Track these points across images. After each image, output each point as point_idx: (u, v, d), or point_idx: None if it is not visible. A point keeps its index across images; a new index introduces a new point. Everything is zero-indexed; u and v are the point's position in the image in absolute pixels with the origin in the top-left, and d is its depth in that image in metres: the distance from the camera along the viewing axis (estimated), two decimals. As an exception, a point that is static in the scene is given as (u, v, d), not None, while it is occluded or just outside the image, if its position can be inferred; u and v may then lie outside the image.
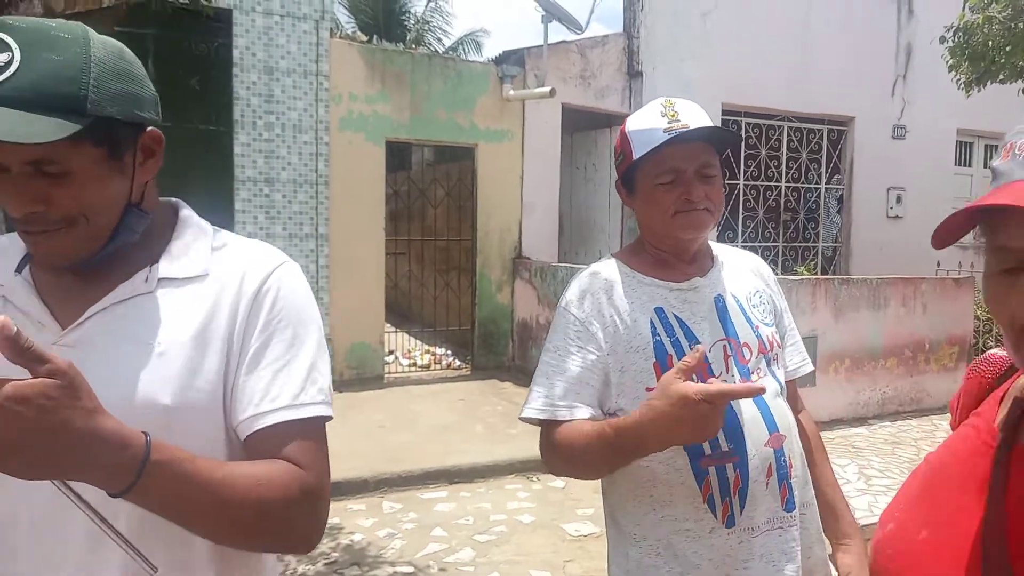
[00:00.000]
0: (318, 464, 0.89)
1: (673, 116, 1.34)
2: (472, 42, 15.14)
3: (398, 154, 8.31)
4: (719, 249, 1.50)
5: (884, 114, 8.62)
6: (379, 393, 6.14)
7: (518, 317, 6.84)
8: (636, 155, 1.36)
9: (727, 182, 7.89)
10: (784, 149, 8.36)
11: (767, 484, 1.30)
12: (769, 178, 8.31)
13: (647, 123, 1.36)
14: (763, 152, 8.22)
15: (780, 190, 8.41)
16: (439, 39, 14.90)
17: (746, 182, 8.15)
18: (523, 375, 6.42)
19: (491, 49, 35.30)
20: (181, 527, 0.80)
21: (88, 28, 0.86)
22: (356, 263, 6.28)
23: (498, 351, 6.98)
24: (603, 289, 1.40)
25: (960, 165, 9.49)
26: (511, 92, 6.60)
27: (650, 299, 1.38)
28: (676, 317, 1.36)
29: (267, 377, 0.88)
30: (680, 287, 1.39)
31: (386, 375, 6.56)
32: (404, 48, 6.96)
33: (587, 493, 4.10)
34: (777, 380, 1.38)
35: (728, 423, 1.25)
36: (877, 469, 4.42)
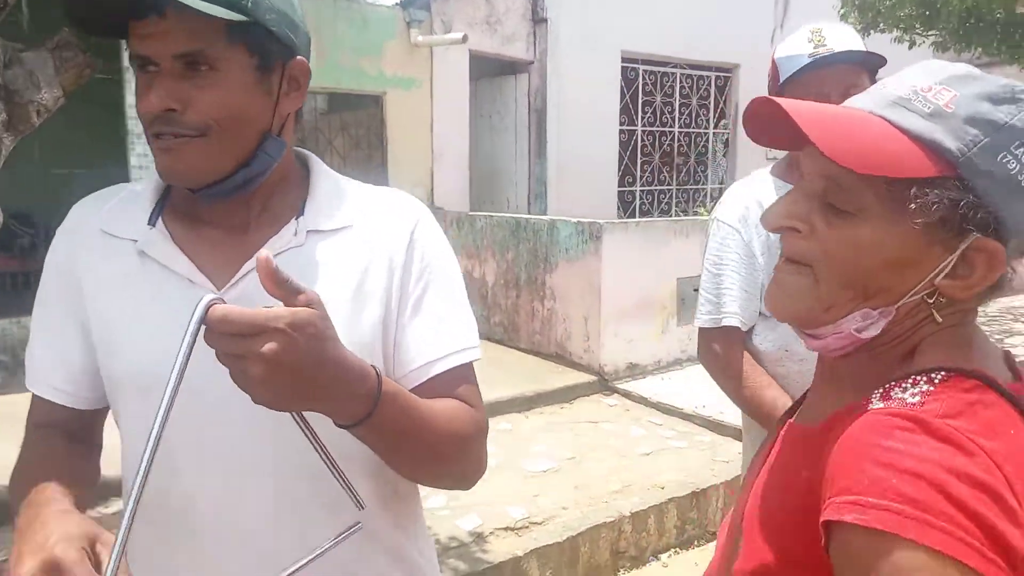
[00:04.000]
0: (481, 403, 0.94)
1: (819, 41, 1.41)
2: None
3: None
4: None
5: (765, 62, 9.10)
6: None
7: (434, 268, 6.80)
8: (782, 79, 1.44)
9: (626, 128, 8.18)
10: (677, 96, 8.71)
11: None
12: (663, 124, 8.65)
13: (794, 49, 1.44)
14: (658, 99, 8.53)
15: (674, 135, 8.78)
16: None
17: (643, 128, 8.44)
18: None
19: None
20: (388, 459, 0.82)
21: None
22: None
23: (415, 303, 6.94)
24: (757, 202, 1.51)
25: (827, 110, 10.28)
26: (419, 38, 6.44)
27: None
28: None
29: (432, 325, 0.90)
30: None
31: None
32: (300, -10, 6.59)
33: (535, 432, 4.27)
34: None
35: None
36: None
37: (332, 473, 0.75)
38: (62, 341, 0.90)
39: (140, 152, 5.40)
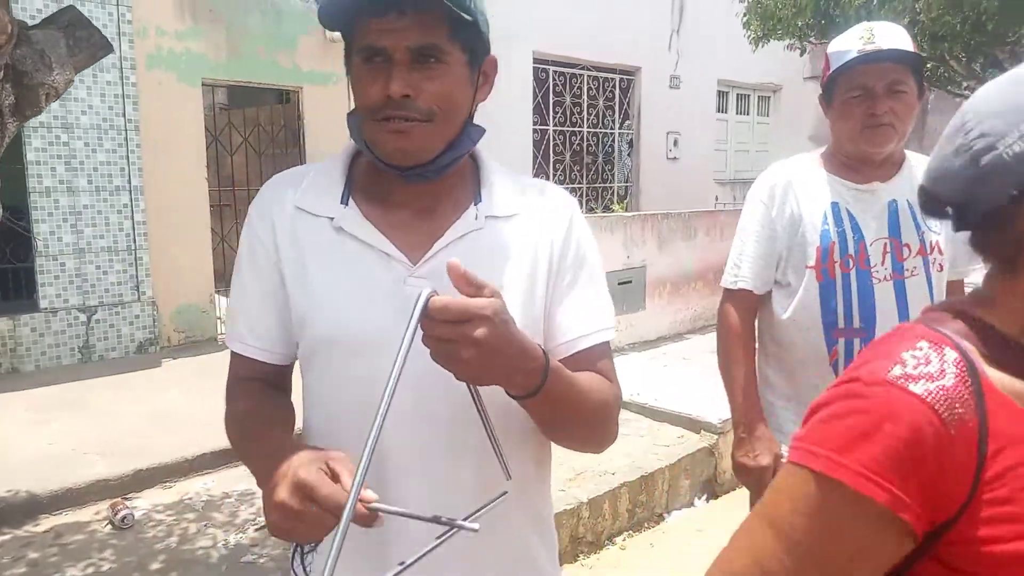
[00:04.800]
0: (616, 377, 1.04)
1: (868, 39, 1.52)
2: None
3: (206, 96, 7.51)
4: (914, 159, 1.71)
5: (663, 65, 9.55)
6: (216, 357, 5.73)
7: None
8: (832, 71, 1.56)
9: (539, 127, 8.33)
10: (585, 96, 8.95)
11: None
12: (573, 124, 8.87)
13: (845, 45, 1.56)
14: (567, 99, 8.74)
15: (582, 135, 9.02)
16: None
17: (554, 128, 8.62)
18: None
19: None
20: (547, 425, 0.94)
21: None
22: (177, 217, 5.71)
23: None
24: (788, 181, 1.66)
25: (719, 112, 10.84)
26: (335, 32, 6.29)
27: (830, 193, 1.63)
28: (848, 212, 1.62)
29: (582, 306, 1.01)
30: (859, 187, 1.64)
31: (220, 337, 6.11)
32: (206, -22, 6.28)
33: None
34: (929, 280, 1.64)
35: (862, 306, 1.59)
36: (709, 376, 5.13)
37: (491, 442, 0.85)
38: (259, 307, 1.00)
39: (36, 147, 4.99)
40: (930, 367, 0.65)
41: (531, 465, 1.01)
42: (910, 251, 1.62)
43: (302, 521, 0.73)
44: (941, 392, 0.63)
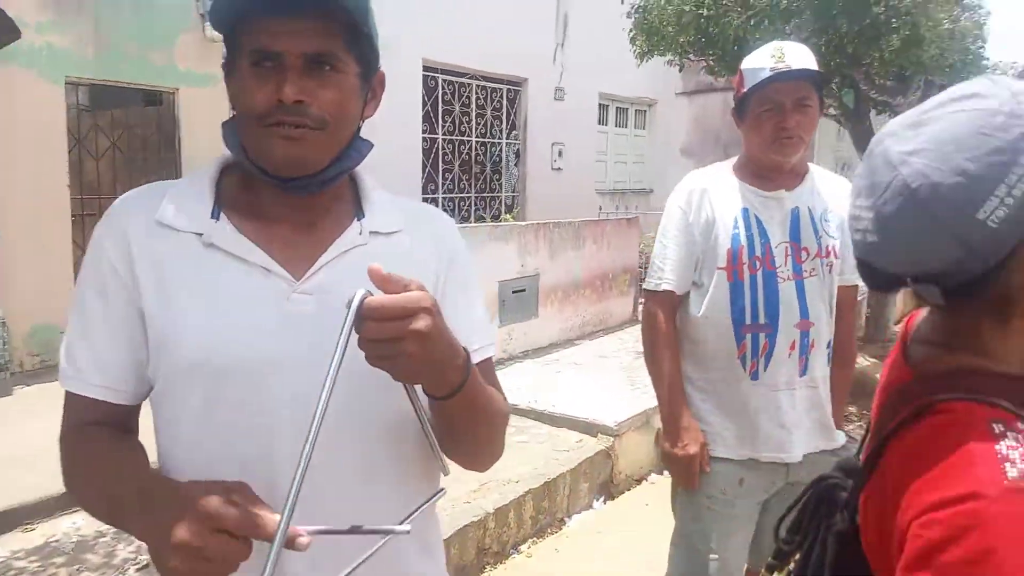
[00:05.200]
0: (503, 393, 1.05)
1: (780, 58, 1.64)
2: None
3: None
4: (816, 172, 1.85)
5: (548, 77, 9.78)
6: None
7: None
8: (746, 88, 1.68)
9: (428, 136, 8.29)
10: (473, 106, 9.01)
11: (789, 354, 1.75)
12: (462, 133, 8.90)
13: (758, 63, 1.67)
14: (457, 108, 8.76)
15: (471, 144, 9.07)
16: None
17: (443, 136, 8.61)
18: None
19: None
20: (461, 431, 0.92)
21: None
22: (34, 228, 5.23)
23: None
24: (704, 189, 1.78)
25: (600, 124, 11.23)
26: (215, 32, 5.99)
27: (740, 200, 1.76)
28: (756, 217, 1.75)
29: (467, 321, 1.00)
30: (766, 195, 1.77)
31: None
32: (67, -33, 5.81)
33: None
34: (825, 281, 1.77)
35: (767, 304, 1.72)
36: (602, 380, 5.29)
37: (428, 439, 0.86)
38: (108, 339, 0.91)
39: None
40: None
41: (424, 486, 0.98)
42: (808, 254, 1.76)
43: (210, 559, 0.68)
44: None
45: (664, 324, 1.84)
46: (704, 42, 5.89)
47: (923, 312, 0.83)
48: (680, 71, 6.97)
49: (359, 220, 0.96)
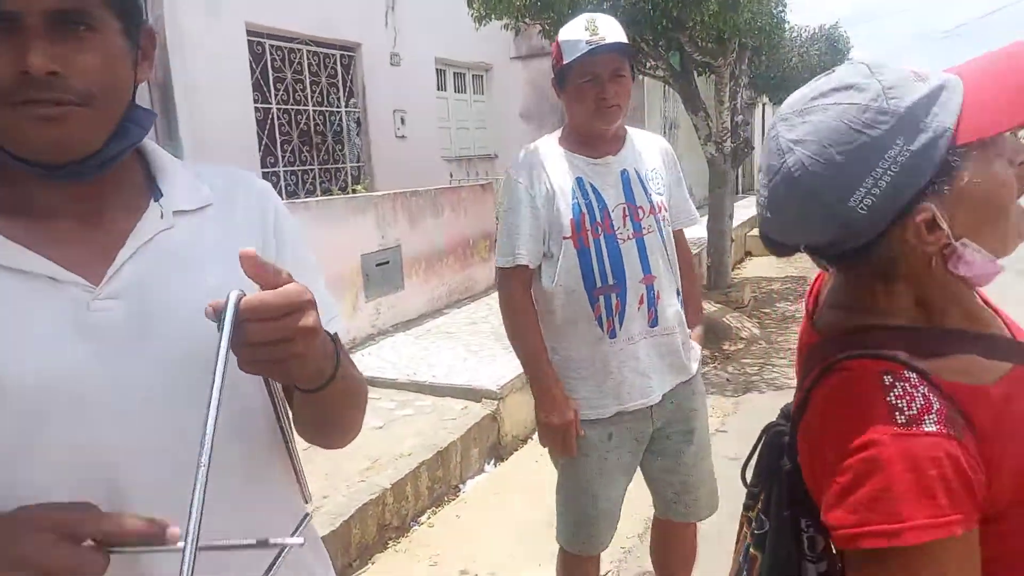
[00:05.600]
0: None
1: (593, 31, 1.72)
2: None
3: None
4: (633, 133, 1.93)
5: (383, 42, 9.47)
6: None
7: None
8: (565, 60, 1.74)
9: (261, 106, 7.78)
10: (307, 73, 8.54)
11: (638, 308, 1.86)
12: (298, 102, 8.43)
13: (574, 35, 1.74)
14: (289, 76, 8.26)
15: (308, 114, 8.62)
16: None
17: (278, 106, 8.11)
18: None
19: None
20: (331, 420, 0.87)
21: None
22: None
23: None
24: (540, 162, 1.82)
25: (439, 90, 11.10)
26: None
27: (573, 170, 1.82)
28: (591, 185, 1.83)
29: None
30: (595, 162, 1.84)
31: None
32: None
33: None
34: (661, 234, 1.88)
35: (613, 265, 1.81)
36: (475, 346, 5.32)
37: (289, 455, 0.80)
38: None
39: None
40: (916, 402, 0.71)
41: (281, 490, 0.90)
42: (643, 212, 1.87)
43: (58, 573, 0.60)
44: (941, 416, 0.70)
45: (524, 299, 1.89)
46: (540, 6, 5.97)
47: (828, 280, 0.95)
48: (516, 35, 7.02)
49: (156, 201, 0.82)
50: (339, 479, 3.40)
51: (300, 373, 0.70)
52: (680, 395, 2.00)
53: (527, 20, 6.75)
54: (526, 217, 1.82)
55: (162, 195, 0.83)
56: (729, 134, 7.05)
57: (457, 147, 11.41)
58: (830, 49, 15.44)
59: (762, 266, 10.04)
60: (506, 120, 12.26)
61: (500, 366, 4.64)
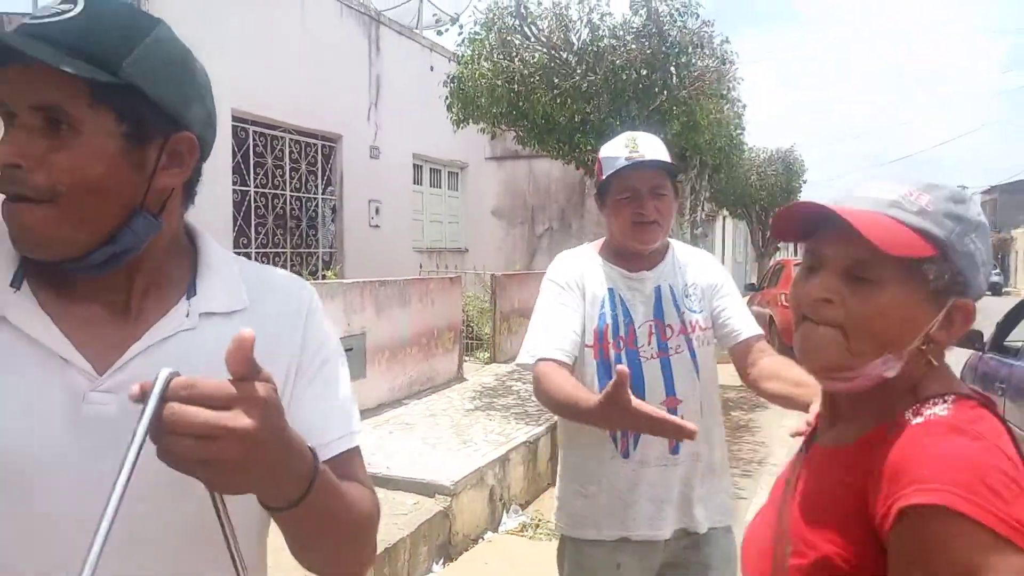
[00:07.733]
0: (372, 485, 0.92)
1: (634, 148, 1.74)
2: None
3: None
4: (677, 248, 1.91)
5: (363, 135, 9.81)
6: None
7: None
8: (604, 175, 1.77)
9: (239, 188, 7.93)
10: (287, 160, 8.77)
11: None
12: (276, 186, 8.61)
13: (614, 152, 1.77)
14: (269, 161, 8.48)
15: (285, 198, 8.79)
16: None
17: (256, 189, 8.28)
18: None
19: None
20: (306, 543, 0.80)
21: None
22: None
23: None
24: (577, 267, 1.84)
25: (415, 184, 11.41)
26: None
27: (608, 280, 1.82)
28: (621, 298, 1.82)
29: (329, 406, 0.88)
30: (630, 276, 1.83)
31: None
32: None
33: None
34: (694, 356, 1.79)
35: (633, 384, 1.69)
36: (433, 439, 5.28)
37: (232, 556, 0.68)
38: None
39: None
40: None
41: None
42: (672, 331, 1.80)
43: None
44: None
45: (556, 370, 1.70)
46: (515, 114, 6.32)
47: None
48: (493, 139, 7.37)
49: (188, 299, 0.81)
50: (278, 574, 3.30)
51: (233, 484, 0.61)
52: (699, 545, 1.81)
53: (503, 126, 7.11)
54: (566, 313, 1.77)
55: (195, 294, 0.82)
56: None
57: (429, 239, 11.64)
58: (786, 170, 16.55)
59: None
60: (478, 216, 12.61)
61: (456, 461, 4.61)
